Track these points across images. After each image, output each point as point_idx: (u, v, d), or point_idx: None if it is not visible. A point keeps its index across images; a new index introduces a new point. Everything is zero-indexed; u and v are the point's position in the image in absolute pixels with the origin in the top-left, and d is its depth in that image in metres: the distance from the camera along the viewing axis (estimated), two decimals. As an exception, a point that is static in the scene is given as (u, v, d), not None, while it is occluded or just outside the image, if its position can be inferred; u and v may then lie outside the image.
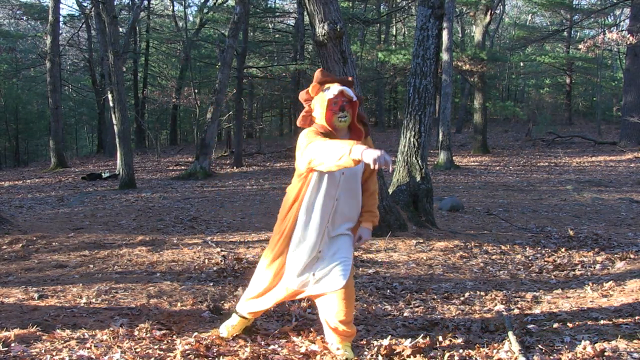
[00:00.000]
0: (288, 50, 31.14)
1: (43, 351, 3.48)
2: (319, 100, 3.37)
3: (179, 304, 4.50)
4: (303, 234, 3.38)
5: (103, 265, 5.86)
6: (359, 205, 3.48)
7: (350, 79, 3.48)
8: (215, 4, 28.66)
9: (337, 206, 3.36)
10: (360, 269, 5.77)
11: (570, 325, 4.00)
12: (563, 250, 6.77)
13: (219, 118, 18.76)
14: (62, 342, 3.64)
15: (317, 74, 3.41)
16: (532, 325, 3.99)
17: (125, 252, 6.40)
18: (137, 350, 3.54)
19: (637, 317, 4.04)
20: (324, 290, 3.37)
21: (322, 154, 3.04)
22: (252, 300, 3.62)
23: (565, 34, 32.68)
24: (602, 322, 4.02)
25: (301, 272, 3.39)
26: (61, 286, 4.99)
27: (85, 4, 26.43)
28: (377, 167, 2.85)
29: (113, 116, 16.32)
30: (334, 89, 3.31)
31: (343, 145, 2.94)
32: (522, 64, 34.27)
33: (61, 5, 23.99)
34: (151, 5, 31.19)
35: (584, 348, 3.49)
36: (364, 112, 3.38)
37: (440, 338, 3.78)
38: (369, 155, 2.81)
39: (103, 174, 18.00)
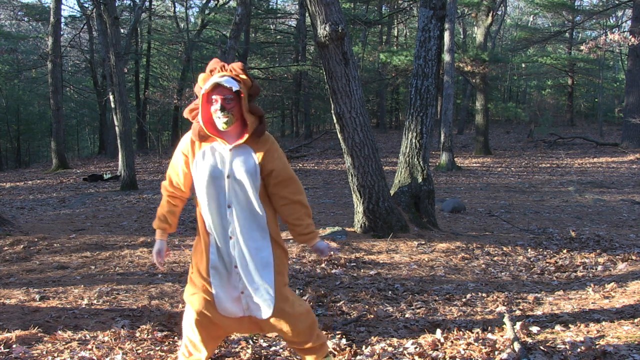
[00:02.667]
0: (290, 52, 31.18)
1: (44, 352, 3.48)
2: (201, 101, 2.86)
3: (180, 305, 4.50)
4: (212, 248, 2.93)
5: (104, 266, 5.86)
6: (260, 217, 2.89)
7: (240, 65, 2.89)
8: (216, 5, 28.67)
9: (233, 214, 2.86)
10: (362, 270, 5.77)
11: (572, 326, 3.99)
12: (565, 251, 6.76)
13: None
14: (64, 343, 3.64)
15: (211, 62, 2.93)
16: (533, 327, 3.99)
17: (127, 253, 6.40)
18: (139, 351, 3.54)
19: (638, 319, 4.03)
20: (257, 316, 2.95)
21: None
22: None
23: (567, 35, 32.67)
24: (604, 323, 4.02)
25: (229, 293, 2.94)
26: (62, 287, 4.99)
27: (86, 5, 26.47)
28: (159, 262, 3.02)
29: (114, 117, 16.32)
30: (210, 81, 2.79)
31: (158, 215, 3.05)
32: (523, 65, 34.25)
33: (63, 7, 24.01)
34: (153, 7, 31.21)
35: (586, 349, 3.48)
36: (257, 104, 2.92)
37: (442, 339, 3.78)
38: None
39: (104, 175, 18.00)
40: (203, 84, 2.85)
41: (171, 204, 3.04)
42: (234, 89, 2.77)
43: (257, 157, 2.86)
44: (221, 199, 2.84)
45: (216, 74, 2.83)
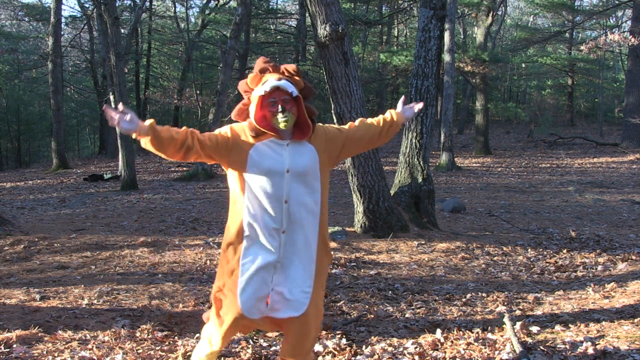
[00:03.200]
0: (290, 52, 31.15)
1: (45, 352, 3.48)
2: (255, 94, 2.85)
3: (180, 305, 4.51)
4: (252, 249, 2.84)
5: (105, 266, 5.87)
6: (315, 214, 2.89)
7: (294, 67, 2.92)
8: (217, 5, 28.67)
9: (289, 209, 2.81)
10: (362, 270, 5.77)
11: (572, 326, 3.99)
12: (565, 251, 6.76)
13: (220, 119, 18.76)
14: (64, 343, 3.64)
15: (258, 61, 2.93)
16: (533, 327, 3.99)
17: (127, 253, 6.41)
18: (139, 351, 3.54)
19: (638, 319, 4.03)
20: (280, 315, 2.83)
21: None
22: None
23: (567, 35, 32.66)
24: (603, 323, 4.02)
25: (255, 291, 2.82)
26: (63, 287, 5.00)
27: (87, 5, 26.47)
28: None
29: (115, 117, 16.29)
30: (268, 84, 2.78)
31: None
32: (523, 65, 34.24)
33: (63, 7, 24.02)
34: (153, 7, 31.21)
35: (586, 349, 3.48)
36: (313, 105, 2.96)
37: (442, 339, 3.78)
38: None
39: (105, 175, 18.00)
40: (254, 85, 2.87)
41: (183, 132, 2.79)
42: (294, 94, 2.80)
43: (315, 148, 2.88)
44: (278, 194, 2.79)
45: (270, 76, 2.84)
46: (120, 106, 2.68)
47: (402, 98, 3.27)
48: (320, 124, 2.99)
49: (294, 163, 2.81)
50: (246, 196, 2.81)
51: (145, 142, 2.70)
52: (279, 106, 2.76)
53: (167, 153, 2.76)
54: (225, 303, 2.86)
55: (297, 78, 2.88)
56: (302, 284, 2.83)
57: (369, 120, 3.13)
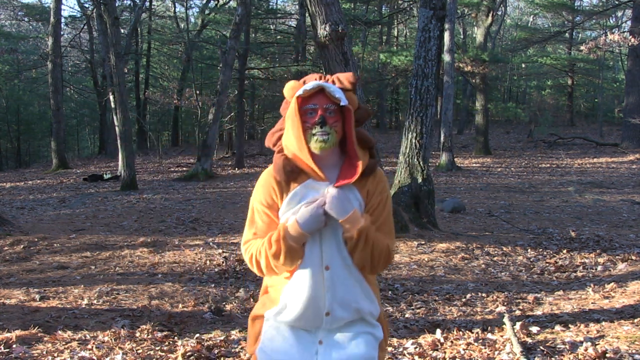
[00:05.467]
0: (290, 52, 31.13)
1: (44, 352, 3.48)
2: (290, 110, 2.01)
3: (180, 305, 4.51)
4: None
5: (104, 266, 5.86)
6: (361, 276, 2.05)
7: (349, 76, 2.06)
8: (216, 5, 28.66)
9: (332, 278, 2.00)
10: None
11: (571, 326, 3.99)
12: (565, 251, 6.76)
13: (220, 119, 18.76)
14: (64, 343, 3.64)
15: (307, 76, 2.11)
16: (533, 327, 3.99)
17: (127, 253, 6.41)
18: (139, 351, 3.54)
19: (638, 319, 4.03)
20: None
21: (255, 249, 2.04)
22: None
23: (567, 35, 32.66)
24: (603, 323, 4.02)
25: None
26: (62, 287, 5.00)
27: (86, 5, 26.48)
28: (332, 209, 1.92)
29: (115, 117, 16.32)
30: (310, 83, 2.01)
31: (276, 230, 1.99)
32: (523, 65, 34.26)
33: (63, 7, 24.01)
34: (153, 7, 31.22)
35: (586, 349, 3.48)
36: (367, 131, 2.16)
37: (442, 339, 3.78)
38: (309, 213, 1.94)
39: (104, 176, 17.99)
40: (292, 94, 2.03)
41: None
42: (342, 102, 1.97)
43: (362, 196, 2.04)
44: (315, 259, 2.00)
45: (315, 80, 2.04)
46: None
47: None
48: (384, 180, 2.11)
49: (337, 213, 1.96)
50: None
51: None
52: (318, 115, 1.96)
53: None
54: None
55: (350, 92, 2.05)
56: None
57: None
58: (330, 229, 1.98)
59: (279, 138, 2.07)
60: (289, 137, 1.99)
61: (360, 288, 2.05)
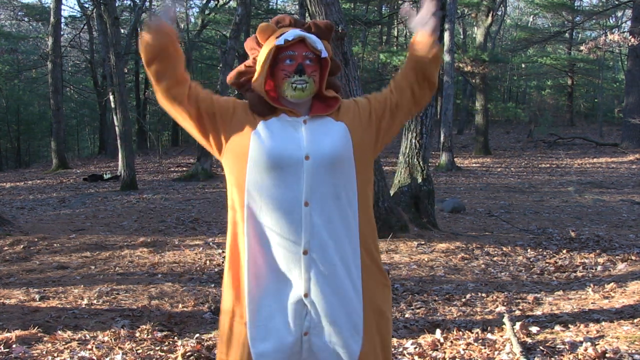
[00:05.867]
0: (289, 52, 31.14)
1: (44, 352, 3.48)
2: (264, 50, 1.97)
3: (180, 305, 4.51)
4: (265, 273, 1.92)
5: (104, 266, 5.87)
6: (351, 220, 1.94)
7: (327, 23, 2.05)
8: (216, 5, 28.68)
9: (311, 216, 1.88)
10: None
11: (571, 326, 3.99)
12: (564, 251, 6.76)
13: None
14: (64, 343, 3.64)
15: (278, 16, 2.08)
16: (533, 327, 3.99)
17: (127, 253, 6.41)
18: (139, 351, 3.54)
19: (638, 319, 4.03)
20: None
21: None
22: None
23: (567, 35, 32.66)
24: (603, 323, 4.02)
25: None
26: (62, 287, 5.00)
27: (86, 5, 26.48)
28: None
29: (114, 117, 16.32)
30: (290, 33, 1.93)
31: None
32: (523, 65, 34.27)
33: (63, 7, 24.01)
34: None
35: (585, 350, 3.48)
36: (338, 80, 2.16)
37: (442, 339, 3.78)
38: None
39: (104, 175, 17.99)
40: (264, 38, 1.99)
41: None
42: (322, 54, 1.95)
43: (347, 125, 1.97)
44: (294, 193, 1.88)
45: (296, 30, 1.96)
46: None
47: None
48: (346, 99, 2.09)
49: (316, 145, 1.91)
50: (252, 200, 1.91)
51: (151, 43, 1.91)
52: (297, 63, 1.91)
53: (161, 68, 1.92)
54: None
55: (326, 41, 2.01)
56: (347, 318, 1.92)
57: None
58: (314, 163, 1.90)
59: (248, 81, 2.00)
60: (260, 83, 1.95)
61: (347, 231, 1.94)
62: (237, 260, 1.96)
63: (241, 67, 2.04)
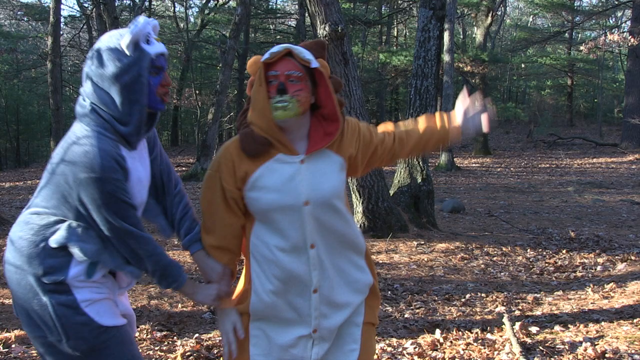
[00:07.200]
0: (289, 52, 31.15)
1: (44, 352, 3.48)
2: (255, 79, 1.88)
3: (179, 305, 4.50)
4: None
5: (104, 266, 5.86)
6: (359, 246, 2.03)
7: (315, 40, 2.00)
8: (216, 5, 28.68)
9: (319, 257, 1.91)
10: (361, 270, 5.76)
11: (571, 326, 3.99)
12: (564, 251, 6.76)
13: (220, 119, 18.77)
14: (63, 343, 3.64)
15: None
16: (533, 327, 3.99)
17: (126, 253, 6.40)
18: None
19: (638, 319, 4.03)
20: None
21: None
22: None
23: (566, 35, 32.66)
24: (603, 323, 4.02)
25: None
26: (62, 287, 4.99)
27: (86, 5, 26.47)
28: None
29: (114, 117, 16.29)
30: (276, 47, 1.88)
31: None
32: (523, 65, 34.24)
33: (62, 6, 24.01)
34: (152, 7, 31.23)
35: (585, 350, 3.48)
36: (342, 95, 2.12)
37: (442, 340, 3.78)
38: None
39: (104, 175, 17.96)
40: (255, 68, 1.88)
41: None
42: (312, 64, 1.85)
43: (343, 159, 1.96)
44: (298, 238, 1.88)
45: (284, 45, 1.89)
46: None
47: (464, 90, 2.14)
48: (349, 122, 2.01)
49: (315, 189, 1.88)
50: (251, 250, 1.96)
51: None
52: (279, 83, 1.82)
53: None
54: None
55: (322, 59, 1.93)
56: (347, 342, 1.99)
57: (405, 125, 2.13)
58: (313, 206, 1.88)
59: (245, 117, 1.92)
60: (254, 109, 1.87)
61: (350, 263, 1.99)
62: (247, 265, 2.02)
63: (243, 109, 1.99)
